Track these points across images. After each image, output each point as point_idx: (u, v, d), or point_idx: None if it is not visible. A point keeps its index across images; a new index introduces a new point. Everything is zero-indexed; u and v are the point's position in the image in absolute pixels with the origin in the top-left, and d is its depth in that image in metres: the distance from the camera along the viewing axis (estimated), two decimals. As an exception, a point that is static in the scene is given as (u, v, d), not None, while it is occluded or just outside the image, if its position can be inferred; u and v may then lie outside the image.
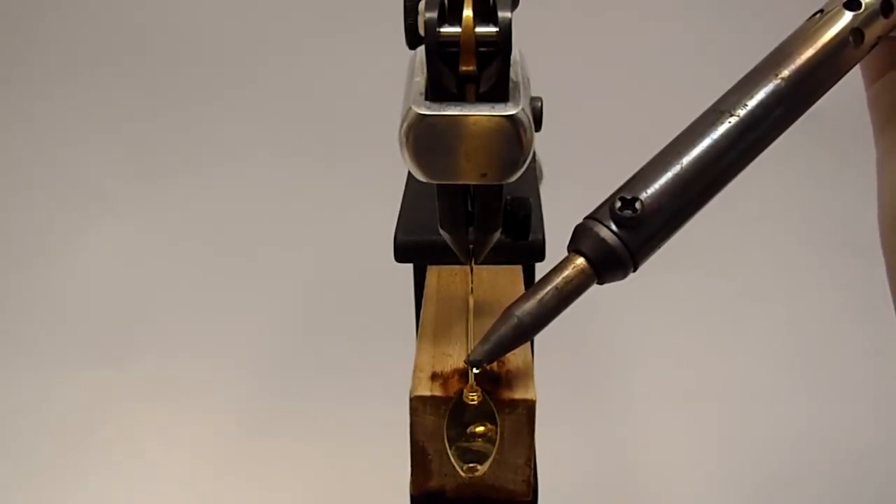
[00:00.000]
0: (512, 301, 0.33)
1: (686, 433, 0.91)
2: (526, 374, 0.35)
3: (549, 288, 0.32)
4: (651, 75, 1.00)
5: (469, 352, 0.33)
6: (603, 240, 0.32)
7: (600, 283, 0.33)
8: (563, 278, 0.32)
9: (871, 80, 0.40)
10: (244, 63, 1.01)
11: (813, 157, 1.01)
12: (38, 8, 1.01)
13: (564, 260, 0.33)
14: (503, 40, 0.31)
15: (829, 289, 1.00)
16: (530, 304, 0.32)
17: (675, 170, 0.32)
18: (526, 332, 0.32)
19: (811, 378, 0.94)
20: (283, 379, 0.96)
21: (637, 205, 0.32)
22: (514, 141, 0.30)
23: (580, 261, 0.32)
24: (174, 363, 0.97)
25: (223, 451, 0.89)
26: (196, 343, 0.98)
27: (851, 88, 0.41)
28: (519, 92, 0.31)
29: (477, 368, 0.33)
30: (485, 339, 0.32)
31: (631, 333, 0.98)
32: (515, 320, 0.32)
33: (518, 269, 0.45)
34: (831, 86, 0.34)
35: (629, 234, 0.32)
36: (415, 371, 0.36)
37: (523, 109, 0.31)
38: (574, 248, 0.33)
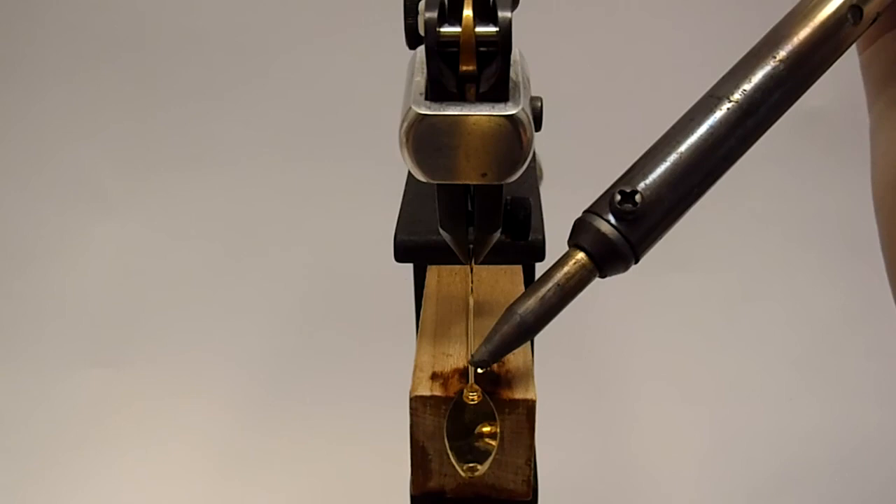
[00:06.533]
0: (513, 300, 0.32)
1: (686, 433, 0.91)
2: (526, 374, 0.35)
3: (550, 285, 0.32)
4: (651, 75, 0.99)
5: (471, 352, 0.33)
6: (604, 234, 0.31)
7: (602, 276, 0.32)
8: (565, 274, 0.32)
9: (863, 46, 0.39)
10: (243, 63, 1.01)
11: (813, 157, 1.01)
12: (38, 5, 1.01)
13: (565, 255, 0.32)
14: (503, 40, 0.31)
15: (829, 288, 1.00)
16: (532, 302, 0.32)
17: (674, 159, 0.32)
18: (529, 330, 0.32)
19: (811, 377, 0.94)
20: (283, 378, 0.96)
21: (637, 198, 0.31)
22: (514, 141, 0.30)
23: (581, 256, 0.32)
24: (174, 362, 0.97)
25: (223, 451, 0.89)
26: (196, 342, 0.98)
27: (851, 89, 0.41)
28: (519, 92, 0.31)
29: (481, 369, 0.32)
30: (488, 340, 0.32)
31: (631, 334, 0.98)
32: (518, 319, 0.32)
33: (518, 268, 0.45)
34: (830, 65, 0.33)
35: (629, 227, 0.31)
36: (415, 371, 0.35)
37: (523, 109, 0.30)
38: (574, 242, 0.32)
